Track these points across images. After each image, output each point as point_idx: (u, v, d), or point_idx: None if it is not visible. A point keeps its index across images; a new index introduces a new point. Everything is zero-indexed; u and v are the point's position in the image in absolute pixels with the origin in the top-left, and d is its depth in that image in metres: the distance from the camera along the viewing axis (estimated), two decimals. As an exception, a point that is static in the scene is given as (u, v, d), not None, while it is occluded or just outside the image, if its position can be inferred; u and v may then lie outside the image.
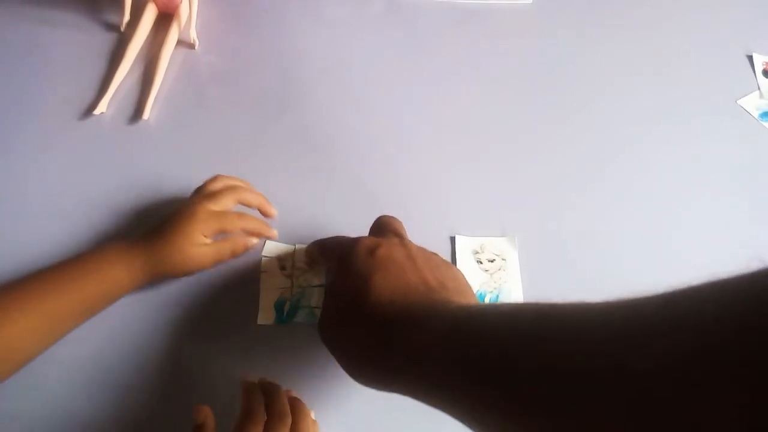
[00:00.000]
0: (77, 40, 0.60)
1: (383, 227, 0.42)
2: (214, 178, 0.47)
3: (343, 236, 0.43)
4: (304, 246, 0.48)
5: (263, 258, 0.48)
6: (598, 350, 0.22)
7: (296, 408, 0.39)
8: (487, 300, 0.47)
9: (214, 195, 0.45)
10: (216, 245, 0.45)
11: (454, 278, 0.37)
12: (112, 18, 0.62)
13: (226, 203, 0.45)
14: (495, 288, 0.48)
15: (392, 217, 0.43)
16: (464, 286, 0.37)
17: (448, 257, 0.49)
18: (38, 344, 0.41)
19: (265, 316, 0.46)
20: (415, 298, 0.33)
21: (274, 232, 0.48)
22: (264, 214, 0.48)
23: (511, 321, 0.28)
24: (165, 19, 0.61)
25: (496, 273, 0.49)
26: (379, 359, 0.33)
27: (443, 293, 0.34)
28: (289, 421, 0.38)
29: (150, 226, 0.45)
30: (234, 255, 0.46)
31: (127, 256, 0.43)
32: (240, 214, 0.46)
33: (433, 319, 0.32)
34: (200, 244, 0.43)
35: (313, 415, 0.41)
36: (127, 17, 0.60)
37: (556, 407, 0.23)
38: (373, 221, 0.44)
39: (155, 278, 0.44)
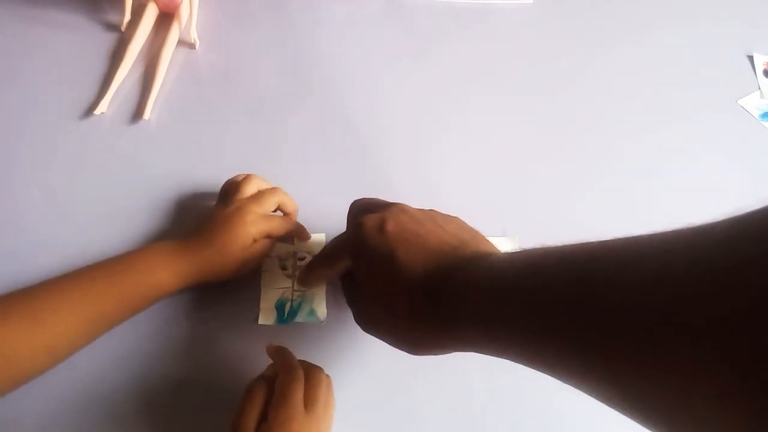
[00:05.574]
0: (77, 40, 0.60)
1: (368, 205, 0.41)
2: (248, 180, 0.46)
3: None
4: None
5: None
6: (679, 294, 0.21)
7: (307, 366, 0.40)
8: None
9: (257, 198, 0.45)
10: (261, 243, 0.45)
11: (461, 228, 0.38)
12: (112, 18, 0.62)
13: (269, 206, 0.45)
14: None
15: (365, 197, 0.43)
16: (473, 232, 0.38)
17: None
18: (75, 345, 0.41)
19: (266, 317, 0.46)
20: (446, 260, 0.34)
21: (309, 235, 0.48)
22: (299, 233, 0.48)
23: (581, 265, 0.27)
24: (165, 18, 0.61)
25: (496, 273, 0.49)
26: (434, 328, 0.33)
27: (467, 248, 0.35)
28: (301, 374, 0.38)
29: (191, 229, 0.45)
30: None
31: (170, 259, 0.43)
32: (283, 218, 0.47)
33: (479, 276, 0.31)
34: (250, 246, 0.43)
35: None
36: (127, 17, 0.60)
37: (640, 353, 0.22)
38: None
39: (198, 281, 0.44)
